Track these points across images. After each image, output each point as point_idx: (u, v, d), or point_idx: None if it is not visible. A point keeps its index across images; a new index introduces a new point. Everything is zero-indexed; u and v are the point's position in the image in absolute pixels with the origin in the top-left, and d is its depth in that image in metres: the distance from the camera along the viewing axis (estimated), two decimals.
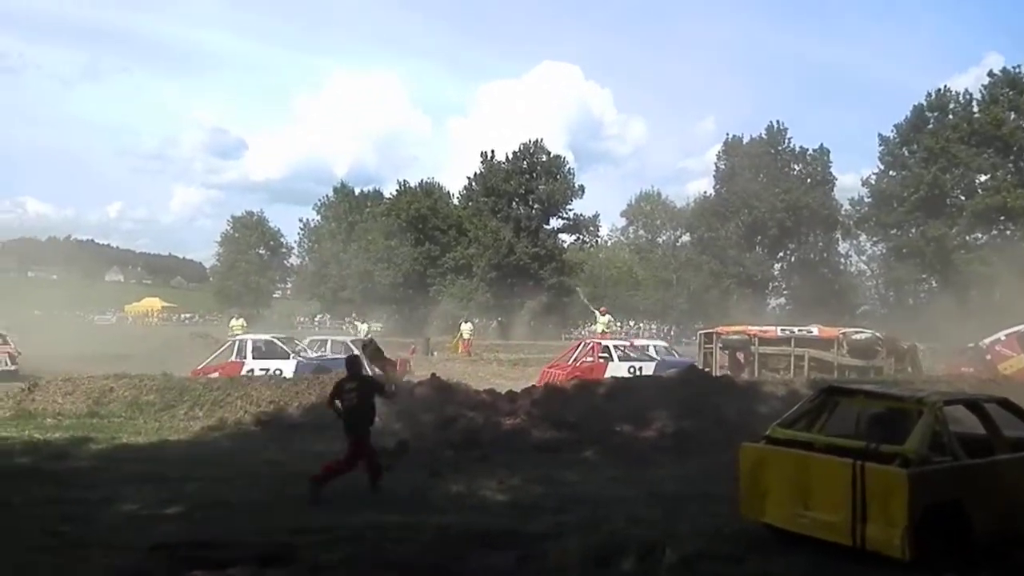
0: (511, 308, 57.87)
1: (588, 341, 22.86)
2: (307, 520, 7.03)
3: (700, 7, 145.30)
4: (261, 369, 17.25)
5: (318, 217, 79.41)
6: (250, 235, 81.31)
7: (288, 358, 18.22)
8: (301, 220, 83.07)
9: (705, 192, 64.73)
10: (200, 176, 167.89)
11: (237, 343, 19.13)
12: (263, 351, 18.60)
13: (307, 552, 6.00)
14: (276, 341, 19.44)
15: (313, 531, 6.48)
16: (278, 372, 16.70)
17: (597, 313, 28.12)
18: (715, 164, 62.14)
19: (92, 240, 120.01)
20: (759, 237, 59.30)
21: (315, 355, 20.20)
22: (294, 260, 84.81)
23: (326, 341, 23.89)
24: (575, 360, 20.36)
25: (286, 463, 10.20)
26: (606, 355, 19.79)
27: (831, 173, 59.06)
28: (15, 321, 29.15)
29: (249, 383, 13.54)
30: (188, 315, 78.58)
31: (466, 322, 35.99)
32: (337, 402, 8.76)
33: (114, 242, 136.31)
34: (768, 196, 57.11)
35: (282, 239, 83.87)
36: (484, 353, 31.50)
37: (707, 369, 17.42)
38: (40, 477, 8.90)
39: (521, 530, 6.86)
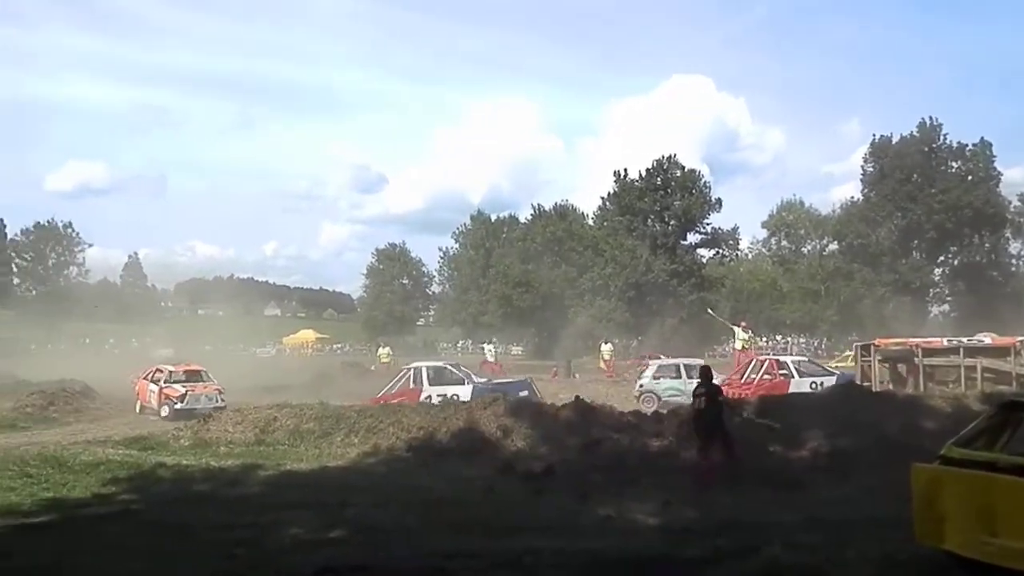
0: (651, 327, 56.98)
1: (763, 358, 22.13)
2: (461, 545, 7.14)
3: (834, 5, 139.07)
4: (438, 395, 17.90)
5: (456, 245, 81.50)
6: (393, 266, 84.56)
7: (463, 383, 18.80)
8: (441, 249, 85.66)
9: (852, 197, 61.70)
10: (345, 212, 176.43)
11: (413, 371, 19.77)
12: (439, 378, 19.26)
13: None
14: (450, 367, 20.26)
15: (467, 556, 6.56)
16: (455, 397, 17.28)
17: (737, 329, 27.17)
18: (862, 167, 59.12)
19: (252, 278, 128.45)
20: (915, 241, 55.70)
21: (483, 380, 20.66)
22: (435, 288, 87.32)
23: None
24: (745, 377, 19.78)
25: (437, 488, 10.44)
26: (785, 371, 19.15)
27: (995, 168, 54.89)
28: (191, 356, 31.64)
29: (400, 410, 13.99)
30: (339, 345, 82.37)
31: (606, 343, 35.73)
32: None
33: (271, 278, 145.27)
34: (924, 197, 53.60)
35: (423, 268, 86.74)
36: (626, 373, 31.13)
37: (866, 384, 16.43)
38: (216, 502, 9.54)
39: (675, 555, 6.69)
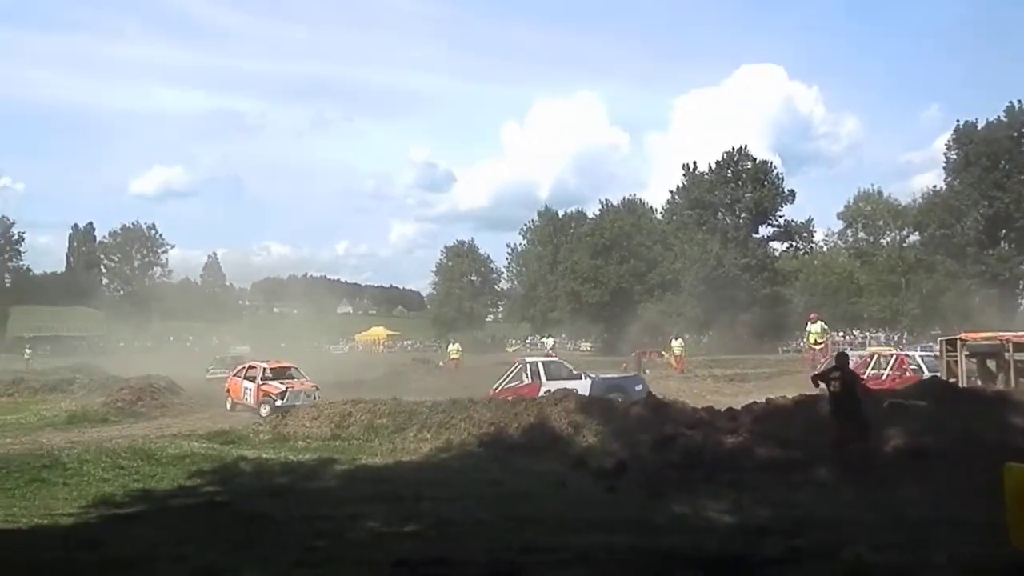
0: (722, 322, 56.05)
1: (891, 353, 21.56)
2: (535, 540, 7.16)
3: None
4: (557, 390, 17.70)
5: (524, 241, 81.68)
6: (462, 263, 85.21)
7: (581, 378, 18.81)
8: (508, 245, 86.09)
9: (934, 186, 59.25)
10: (414, 210, 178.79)
11: (528, 366, 19.84)
12: (555, 372, 19.38)
13: (536, 572, 6.09)
14: (564, 362, 20.40)
15: (541, 551, 6.58)
16: (575, 391, 17.17)
17: (809, 323, 26.44)
18: (944, 154, 56.69)
19: (324, 276, 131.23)
20: (1003, 231, 53.24)
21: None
22: (503, 284, 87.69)
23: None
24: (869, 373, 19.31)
25: (509, 483, 10.50)
26: (915, 367, 18.78)
27: None
28: (267, 352, 32.59)
29: (471, 406, 14.11)
30: (410, 342, 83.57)
31: (676, 338, 35.28)
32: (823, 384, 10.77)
33: (343, 277, 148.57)
34: (1013, 185, 51.19)
35: (492, 265, 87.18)
36: (697, 369, 30.71)
37: (952, 380, 15.80)
38: (295, 495, 9.82)
39: (752, 554, 6.57)
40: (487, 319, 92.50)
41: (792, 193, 61.24)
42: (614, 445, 11.76)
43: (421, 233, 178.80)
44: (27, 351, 53.65)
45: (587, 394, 16.23)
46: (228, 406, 21.77)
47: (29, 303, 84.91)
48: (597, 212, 72.80)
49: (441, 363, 34.90)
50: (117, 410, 20.11)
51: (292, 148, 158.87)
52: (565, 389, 17.44)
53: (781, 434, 11.22)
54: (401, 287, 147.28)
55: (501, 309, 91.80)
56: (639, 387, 17.95)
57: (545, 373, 19.12)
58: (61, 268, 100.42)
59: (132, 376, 25.33)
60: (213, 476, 11.10)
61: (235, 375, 22.51)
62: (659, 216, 68.09)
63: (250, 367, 22.10)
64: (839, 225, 66.45)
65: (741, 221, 60.42)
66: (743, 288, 56.52)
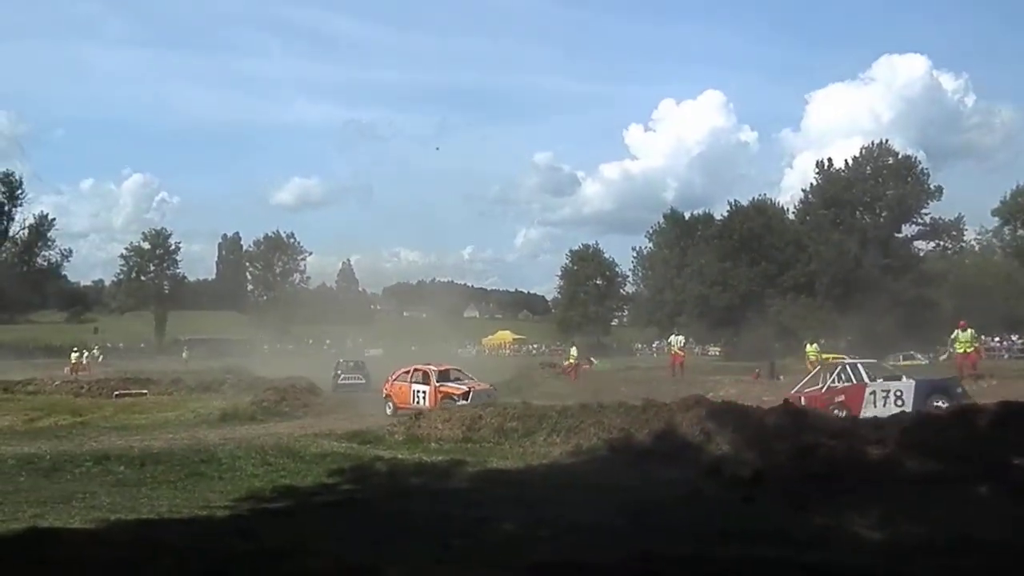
0: (862, 326, 53.20)
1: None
2: (670, 549, 7.02)
3: None
4: (882, 390, 17.32)
5: (650, 244, 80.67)
6: (587, 267, 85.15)
7: (901, 379, 18.23)
8: (634, 248, 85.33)
9: None
10: (538, 214, 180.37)
11: (848, 367, 19.11)
12: (877, 373, 18.83)
13: None
14: (881, 363, 20.22)
15: (678, 561, 6.44)
16: (898, 393, 16.98)
17: (957, 330, 24.48)
18: None
19: (452, 281, 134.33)
20: None
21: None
22: (629, 288, 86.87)
23: None
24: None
25: (641, 489, 10.36)
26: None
27: None
28: (402, 356, 33.72)
29: (602, 411, 14.04)
30: (535, 345, 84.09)
31: (812, 343, 33.80)
32: None
33: (469, 281, 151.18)
34: None
35: (617, 268, 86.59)
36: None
37: None
38: (430, 495, 10.07)
39: (905, 573, 6.19)
40: (612, 323, 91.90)
41: (939, 189, 57.57)
42: (749, 454, 11.39)
43: (546, 237, 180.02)
44: (184, 353, 57.77)
45: (911, 395, 15.87)
46: (389, 411, 21.36)
47: (184, 308, 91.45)
48: (725, 213, 70.85)
49: (558, 367, 34.70)
50: (263, 409, 21.29)
51: (419, 156, 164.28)
52: (889, 389, 16.95)
53: (934, 446, 10.51)
54: (526, 291, 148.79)
55: (626, 313, 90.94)
56: (959, 390, 17.02)
57: (867, 374, 18.26)
58: (212, 275, 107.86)
59: (276, 377, 26.79)
60: (352, 475, 11.55)
61: (397, 379, 22.38)
62: (792, 216, 65.50)
63: (416, 370, 22.02)
64: (994, 222, 61.83)
65: (882, 220, 57.28)
66: (884, 290, 53.45)
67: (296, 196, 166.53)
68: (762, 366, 32.10)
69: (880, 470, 10.33)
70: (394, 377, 22.71)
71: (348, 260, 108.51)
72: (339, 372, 33.04)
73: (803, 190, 63.63)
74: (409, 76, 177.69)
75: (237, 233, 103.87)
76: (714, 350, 69.35)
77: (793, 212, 65.83)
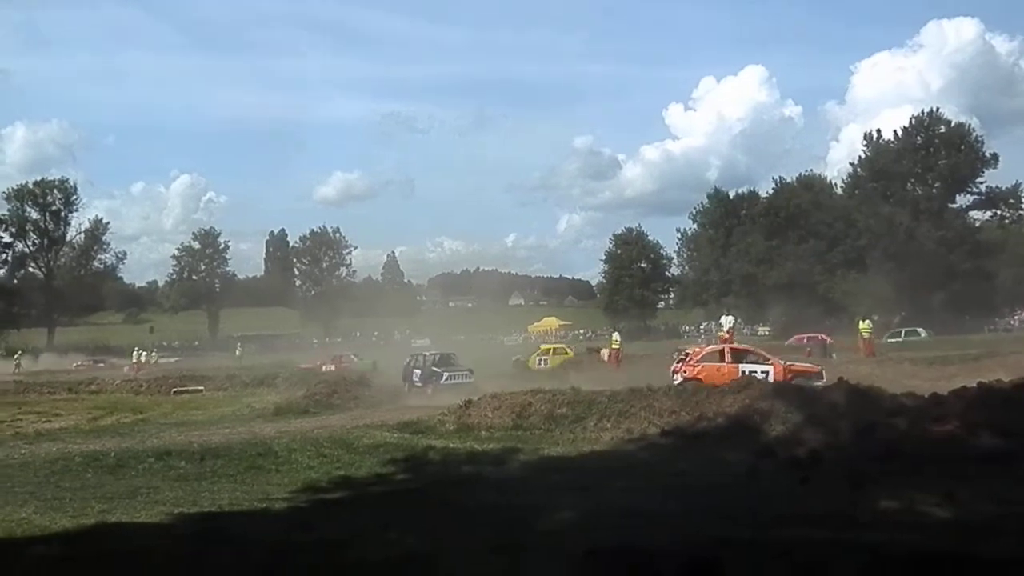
0: (915, 301, 51.95)
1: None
2: (727, 532, 6.94)
3: None
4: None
5: (694, 225, 79.71)
6: (631, 250, 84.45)
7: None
8: (678, 230, 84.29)
9: None
10: (579, 199, 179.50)
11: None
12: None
13: (733, 566, 5.89)
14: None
15: (737, 544, 6.36)
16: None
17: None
18: None
19: (495, 269, 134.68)
20: None
21: None
22: (674, 270, 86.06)
23: None
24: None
25: (694, 472, 10.26)
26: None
27: None
28: (447, 344, 33.87)
29: (652, 395, 13.94)
30: (582, 331, 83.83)
31: (864, 320, 33.08)
32: None
33: (513, 269, 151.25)
34: None
35: (661, 251, 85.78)
36: (890, 352, 28.65)
37: None
38: (482, 484, 10.10)
39: (977, 554, 6.01)
40: (659, 306, 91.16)
41: (995, 157, 55.71)
42: (806, 434, 11.20)
43: (588, 222, 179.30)
44: (238, 349, 58.98)
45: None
46: None
47: (235, 306, 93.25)
48: (770, 191, 69.77)
49: (604, 352, 34.29)
50: (316, 402, 21.62)
51: (459, 147, 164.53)
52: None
53: (1000, 422, 10.20)
54: (570, 277, 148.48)
55: (672, 296, 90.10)
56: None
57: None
58: (260, 272, 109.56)
59: (328, 371, 27.15)
60: (405, 464, 11.65)
61: (702, 360, 19.76)
62: (839, 191, 64.06)
63: (721, 351, 20.13)
64: None
65: (934, 191, 55.71)
66: (939, 263, 52.04)
67: (339, 191, 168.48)
68: (813, 344, 31.57)
69: (944, 448, 10.08)
70: (696, 358, 20.04)
71: (393, 252, 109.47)
72: (420, 368, 25.69)
73: (851, 163, 62.27)
74: (446, 68, 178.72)
75: (283, 230, 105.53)
76: (763, 330, 68.41)
77: (841, 186, 64.41)
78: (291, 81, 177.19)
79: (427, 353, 27.33)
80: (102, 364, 50.86)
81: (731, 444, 11.52)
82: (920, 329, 44.69)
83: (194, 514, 8.25)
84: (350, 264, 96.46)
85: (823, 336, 36.56)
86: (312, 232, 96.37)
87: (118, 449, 13.18)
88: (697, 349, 21.27)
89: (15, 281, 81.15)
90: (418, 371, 25.44)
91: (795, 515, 7.72)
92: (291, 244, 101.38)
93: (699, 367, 19.17)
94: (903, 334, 43.21)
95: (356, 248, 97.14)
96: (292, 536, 6.99)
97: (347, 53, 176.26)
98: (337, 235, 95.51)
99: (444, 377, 24.11)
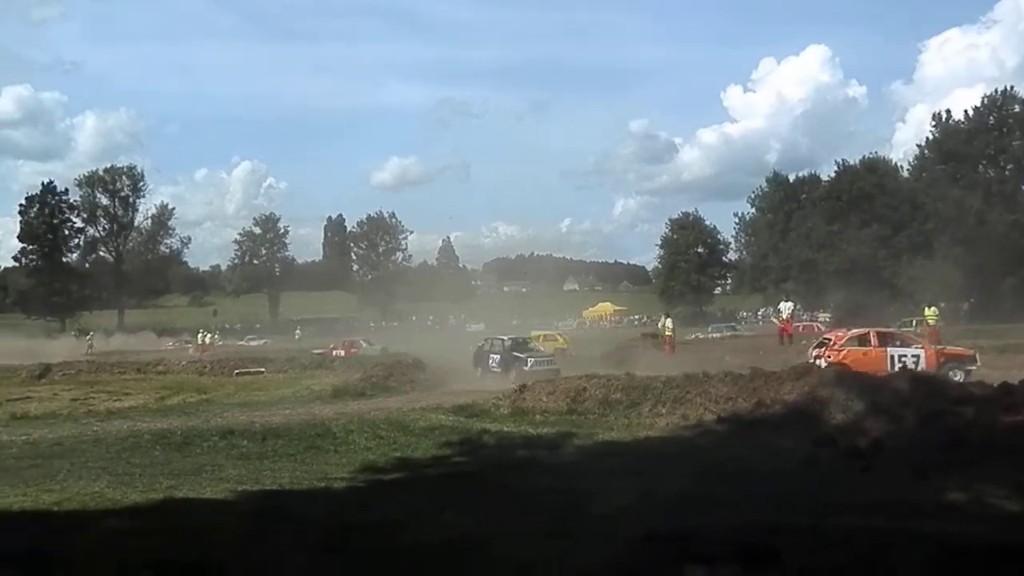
0: (986, 287, 50.18)
1: None
2: (784, 519, 6.85)
3: None
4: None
5: (753, 210, 78.38)
6: (687, 235, 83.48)
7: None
8: (736, 214, 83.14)
9: None
10: (634, 184, 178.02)
11: None
12: None
13: (791, 553, 5.82)
14: None
15: (795, 532, 6.27)
16: None
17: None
18: None
19: (550, 254, 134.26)
20: None
21: None
22: (732, 255, 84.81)
23: None
24: None
25: (751, 459, 10.14)
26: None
27: None
28: (503, 329, 34.00)
29: (708, 380, 13.79)
30: (637, 316, 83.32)
31: (930, 306, 32.08)
32: None
33: (567, 254, 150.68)
34: None
35: (719, 235, 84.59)
36: (958, 340, 27.72)
37: None
38: (537, 468, 10.15)
39: None
40: (715, 292, 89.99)
41: None
42: (867, 422, 10.95)
43: (643, 207, 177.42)
44: (297, 332, 60.27)
45: None
46: None
47: (295, 289, 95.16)
48: (833, 174, 68.02)
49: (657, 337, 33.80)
50: (373, 385, 21.95)
51: (514, 131, 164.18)
52: None
53: None
54: (625, 262, 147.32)
55: (730, 281, 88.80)
56: None
57: None
58: (319, 257, 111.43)
59: (383, 354, 27.53)
60: (461, 447, 11.77)
61: (843, 345, 18.75)
62: (905, 174, 62.12)
63: (865, 335, 19.29)
64: None
65: (1007, 173, 53.61)
66: (1012, 248, 50.12)
67: (395, 176, 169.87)
68: None
69: (1013, 438, 9.75)
70: (840, 343, 19.04)
71: (448, 237, 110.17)
72: (498, 353, 24.89)
73: (918, 145, 60.31)
74: (501, 52, 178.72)
75: (341, 215, 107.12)
76: (824, 316, 66.98)
77: (907, 169, 62.44)
78: (349, 68, 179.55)
79: (503, 338, 26.29)
80: (189, 345, 52.22)
81: (789, 432, 11.34)
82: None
83: (256, 492, 8.49)
84: (406, 249, 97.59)
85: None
86: (369, 217, 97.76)
87: (184, 428, 13.59)
88: (840, 333, 20.37)
89: (87, 265, 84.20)
90: (496, 356, 24.61)
91: (855, 503, 7.58)
92: (348, 229, 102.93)
93: (844, 352, 18.23)
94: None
95: (412, 233, 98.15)
96: (351, 515, 7.15)
97: (404, 39, 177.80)
98: (393, 220, 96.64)
99: (529, 364, 23.10)
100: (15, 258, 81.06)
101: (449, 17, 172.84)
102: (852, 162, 66.99)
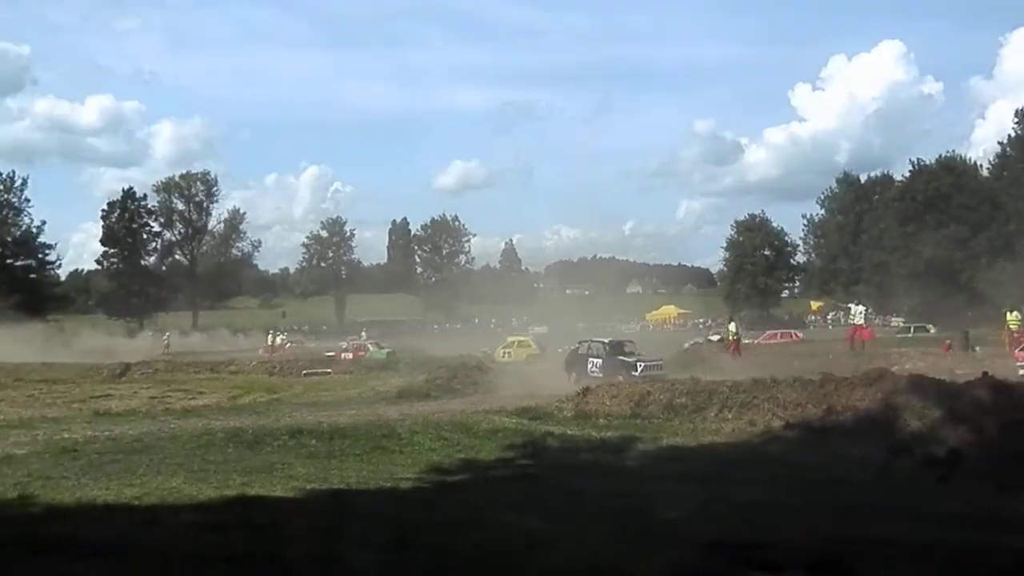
0: None
1: None
2: (855, 530, 6.68)
3: None
4: None
5: (822, 211, 76.49)
6: (754, 237, 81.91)
7: None
8: (804, 216, 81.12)
9: None
10: (699, 186, 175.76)
11: None
12: None
13: (862, 565, 5.66)
14: None
15: (867, 543, 6.11)
16: None
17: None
18: None
19: (613, 257, 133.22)
20: None
21: None
22: (800, 258, 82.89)
23: None
24: None
25: (821, 467, 9.92)
26: None
27: None
28: (568, 334, 33.95)
29: (776, 386, 13.53)
30: (701, 320, 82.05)
31: (1012, 311, 30.75)
32: None
33: (631, 257, 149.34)
34: None
35: (786, 237, 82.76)
36: None
37: None
38: (601, 471, 10.11)
39: None
40: (783, 295, 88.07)
41: None
42: (945, 431, 10.58)
43: (708, 208, 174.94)
44: (363, 334, 61.16)
45: None
46: None
47: (360, 292, 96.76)
48: (907, 174, 65.87)
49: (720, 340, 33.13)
50: (437, 387, 22.18)
51: (577, 133, 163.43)
52: None
53: None
54: (689, 265, 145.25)
55: (798, 284, 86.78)
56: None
57: None
58: (383, 260, 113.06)
59: (447, 356, 27.83)
60: (524, 450, 11.79)
61: None
62: (985, 173, 59.76)
63: None
64: None
65: None
66: None
67: (458, 179, 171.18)
68: (954, 337, 29.69)
69: None
70: None
71: (510, 240, 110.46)
72: (599, 357, 23.53)
73: (999, 143, 58.08)
74: (563, 55, 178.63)
75: (405, 218, 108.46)
76: (897, 321, 64.92)
77: (987, 168, 60.06)
78: (413, 72, 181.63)
79: (602, 340, 24.92)
80: (312, 346, 52.44)
81: (862, 440, 11.04)
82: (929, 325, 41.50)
83: (324, 490, 8.67)
84: (469, 252, 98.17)
85: (796, 333, 34.25)
86: (433, 220, 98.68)
87: (255, 426, 13.96)
88: None
89: (163, 268, 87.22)
90: (597, 360, 23.11)
91: (932, 515, 7.34)
92: (412, 232, 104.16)
93: None
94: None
95: (475, 236, 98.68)
96: (417, 515, 7.24)
97: (468, 43, 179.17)
98: (456, 223, 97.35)
99: (640, 368, 21.67)
100: (97, 261, 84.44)
101: (513, 20, 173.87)
102: (928, 161, 64.84)
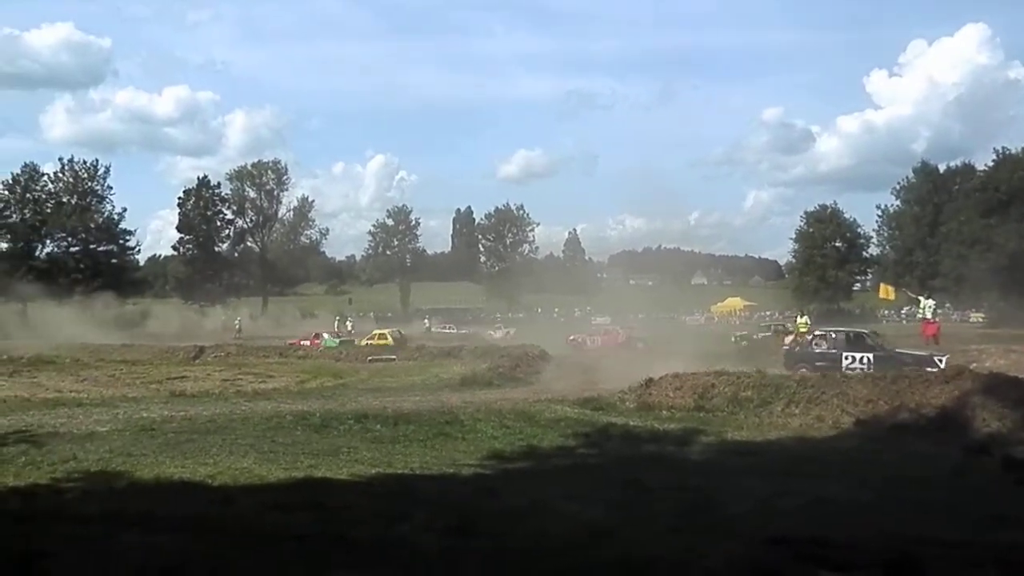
0: None
1: None
2: (928, 530, 6.48)
3: None
4: None
5: (897, 202, 74.00)
6: (825, 228, 79.76)
7: None
8: (878, 207, 78.67)
9: None
10: (767, 175, 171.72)
11: None
12: None
13: (936, 567, 5.49)
14: None
15: (942, 544, 5.92)
16: None
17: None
18: None
19: (678, 248, 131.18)
20: None
21: None
22: (873, 250, 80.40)
23: None
24: None
25: (892, 465, 9.64)
26: None
27: None
28: (626, 323, 33.70)
29: (845, 381, 13.21)
30: (768, 312, 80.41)
31: None
32: None
33: (696, 248, 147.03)
34: None
35: (859, 229, 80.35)
36: None
37: None
38: (664, 463, 10.04)
39: None
40: (854, 288, 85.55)
41: None
42: None
43: (776, 199, 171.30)
44: (426, 321, 61.89)
45: None
46: None
47: (424, 280, 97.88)
48: (990, 164, 63.14)
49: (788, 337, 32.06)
50: (499, 375, 22.31)
51: (642, 121, 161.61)
52: None
53: None
54: (756, 256, 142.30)
55: (870, 277, 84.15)
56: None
57: None
58: (447, 248, 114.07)
59: (509, 345, 27.93)
60: (586, 439, 11.80)
61: None
62: None
63: None
64: None
65: None
66: None
67: (521, 168, 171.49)
68: None
69: None
70: None
71: (574, 229, 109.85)
72: (835, 350, 19.43)
73: None
74: (628, 42, 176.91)
75: (469, 207, 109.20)
76: (976, 316, 62.43)
77: None
78: (478, 61, 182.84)
79: (834, 332, 21.43)
80: (465, 331, 52.42)
81: (935, 439, 10.72)
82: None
83: (389, 474, 8.85)
84: (532, 241, 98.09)
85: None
86: (496, 209, 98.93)
87: (322, 410, 14.29)
88: None
89: (236, 254, 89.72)
90: (858, 354, 18.66)
91: (1011, 517, 7.06)
92: (476, 221, 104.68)
93: None
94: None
95: (539, 225, 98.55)
96: (479, 501, 7.32)
97: (533, 31, 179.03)
98: (520, 212, 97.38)
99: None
100: (174, 247, 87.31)
101: (577, 7, 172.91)
102: (1013, 150, 62.02)
